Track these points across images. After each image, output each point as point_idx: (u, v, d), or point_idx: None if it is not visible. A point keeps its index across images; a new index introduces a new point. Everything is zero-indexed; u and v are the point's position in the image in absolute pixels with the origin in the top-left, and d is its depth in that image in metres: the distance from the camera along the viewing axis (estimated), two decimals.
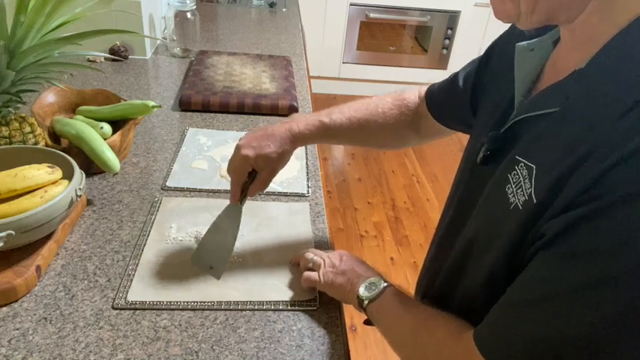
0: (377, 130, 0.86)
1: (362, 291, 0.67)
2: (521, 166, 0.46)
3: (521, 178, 0.46)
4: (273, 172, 0.80)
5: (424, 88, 0.87)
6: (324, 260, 0.74)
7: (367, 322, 0.69)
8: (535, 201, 0.44)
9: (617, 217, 0.38)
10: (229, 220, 0.79)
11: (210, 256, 0.77)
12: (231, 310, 0.72)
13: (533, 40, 0.57)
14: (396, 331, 0.63)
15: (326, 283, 0.72)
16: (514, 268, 0.48)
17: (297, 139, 0.80)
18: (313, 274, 0.74)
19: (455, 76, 0.78)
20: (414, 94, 0.89)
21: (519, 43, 0.58)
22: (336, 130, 0.83)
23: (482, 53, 0.73)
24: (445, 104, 0.81)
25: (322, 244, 0.86)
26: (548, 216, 0.43)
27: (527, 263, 0.45)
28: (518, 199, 0.47)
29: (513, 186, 0.47)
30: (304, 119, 0.82)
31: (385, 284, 0.67)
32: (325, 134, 0.83)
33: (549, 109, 0.46)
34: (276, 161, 0.79)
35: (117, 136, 0.98)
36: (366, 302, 0.66)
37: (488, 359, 0.46)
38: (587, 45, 0.45)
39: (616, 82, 0.41)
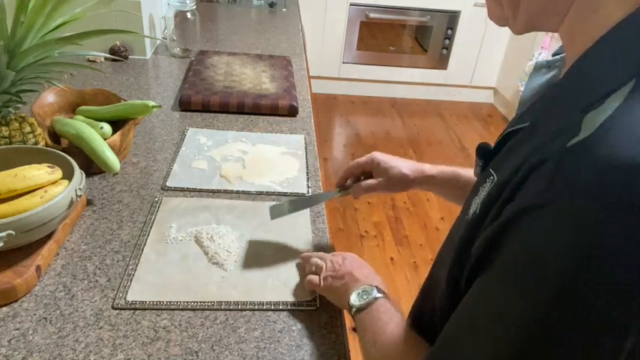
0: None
1: (353, 298, 0.66)
2: (490, 178, 0.43)
3: (484, 191, 0.43)
4: (384, 185, 0.84)
5: None
6: (325, 264, 0.74)
7: (354, 329, 0.66)
8: (477, 212, 0.42)
9: (510, 238, 0.36)
10: (315, 197, 0.92)
11: (281, 207, 0.85)
12: (231, 310, 0.72)
13: (555, 57, 0.53)
14: (368, 350, 0.60)
15: (325, 286, 0.72)
16: (454, 292, 0.45)
17: (422, 181, 0.84)
18: (314, 278, 0.74)
19: None
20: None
21: (539, 60, 0.54)
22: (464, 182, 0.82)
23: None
24: None
25: (322, 244, 0.86)
26: (479, 232, 0.41)
27: (464, 290, 0.43)
28: (472, 211, 0.44)
29: (478, 197, 0.45)
30: (436, 166, 0.85)
31: (376, 295, 0.64)
32: (447, 183, 0.84)
33: (525, 123, 0.43)
34: (396, 178, 0.83)
35: (117, 136, 0.98)
36: (353, 311, 0.65)
37: None
38: (571, 57, 0.42)
39: (573, 95, 0.38)
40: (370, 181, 0.86)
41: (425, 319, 0.55)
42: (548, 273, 0.33)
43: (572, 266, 0.32)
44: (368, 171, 0.87)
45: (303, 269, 0.79)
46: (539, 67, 0.54)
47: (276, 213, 0.85)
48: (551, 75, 0.52)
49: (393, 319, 0.60)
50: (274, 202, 0.89)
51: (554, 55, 0.54)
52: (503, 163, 0.43)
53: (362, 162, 0.86)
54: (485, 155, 0.49)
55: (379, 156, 0.85)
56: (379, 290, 0.65)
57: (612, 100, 0.34)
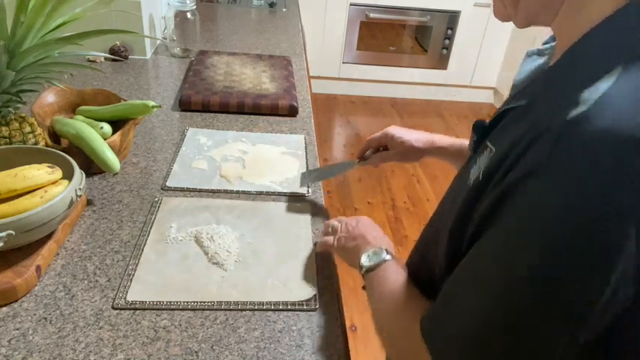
0: None
1: (363, 259, 0.70)
2: (487, 150, 0.49)
3: (483, 160, 0.49)
4: (397, 155, 0.96)
5: None
6: (340, 226, 0.80)
7: (364, 287, 0.71)
8: (480, 179, 0.47)
9: (518, 199, 0.41)
10: (338, 166, 1.02)
11: (311, 173, 1.01)
12: (231, 310, 0.72)
13: (546, 45, 0.59)
14: (375, 307, 0.65)
15: (338, 247, 0.77)
16: (454, 253, 0.50)
17: (433, 151, 0.94)
18: (329, 238, 0.80)
19: None
20: None
21: (531, 49, 0.60)
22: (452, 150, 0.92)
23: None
24: None
25: None
26: (482, 197, 0.46)
27: (464, 250, 0.48)
28: (472, 178, 0.49)
29: (475, 167, 0.50)
30: (446, 137, 0.94)
31: (385, 257, 0.68)
32: (457, 154, 0.91)
33: (521, 102, 0.48)
34: (408, 149, 0.94)
35: (117, 136, 0.98)
36: (363, 271, 0.69)
37: (429, 347, 0.48)
38: (562, 47, 0.47)
39: (568, 78, 0.43)
40: (386, 152, 0.98)
41: (423, 275, 0.60)
42: (549, 229, 0.38)
43: (571, 222, 0.37)
44: (384, 144, 0.98)
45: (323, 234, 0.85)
46: (530, 54, 0.60)
47: (304, 181, 1.00)
48: (542, 61, 0.58)
49: (398, 280, 0.64)
50: (305, 170, 1.04)
51: (544, 44, 0.59)
52: (501, 137, 0.48)
53: (377, 137, 0.98)
54: (481, 131, 0.54)
55: (393, 130, 0.96)
56: (388, 252, 0.69)
57: (605, 81, 0.39)
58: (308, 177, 1.01)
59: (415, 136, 0.94)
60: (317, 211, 0.94)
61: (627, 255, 0.37)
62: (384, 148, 0.99)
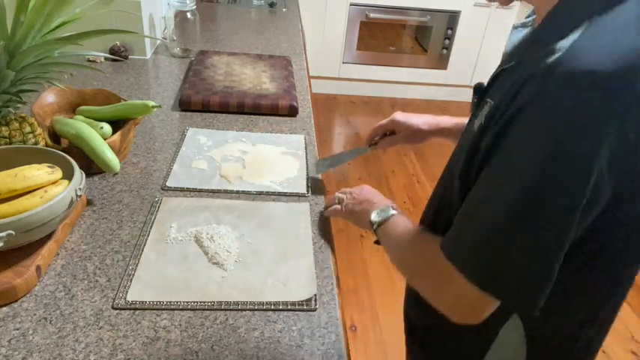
0: None
1: (373, 216, 0.79)
2: (487, 104, 0.58)
3: (484, 112, 0.58)
4: (404, 138, 1.01)
5: None
6: (346, 195, 0.89)
7: (377, 242, 0.80)
8: (483, 123, 0.57)
9: (516, 125, 0.51)
10: (351, 152, 1.07)
11: (324, 162, 1.06)
12: (231, 310, 0.72)
13: (528, 19, 0.68)
14: (395, 251, 0.73)
15: (346, 212, 0.87)
16: (466, 190, 0.59)
17: (438, 132, 0.99)
18: (337, 206, 0.89)
19: None
20: None
21: (516, 22, 0.69)
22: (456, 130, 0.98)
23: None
24: None
25: (322, 244, 0.86)
26: (485, 134, 0.56)
27: (473, 180, 0.58)
28: (476, 126, 0.59)
29: (477, 119, 0.59)
30: (450, 118, 1.00)
31: (393, 212, 0.78)
32: (450, 133, 0.99)
33: (512, 63, 0.57)
34: (413, 132, 1.00)
35: (117, 136, 0.98)
36: (375, 226, 0.78)
37: (451, 261, 0.57)
38: (540, 16, 0.58)
39: (547, 35, 0.54)
40: (393, 137, 1.03)
41: (438, 226, 0.69)
42: (544, 140, 0.50)
43: (561, 131, 0.49)
44: (391, 129, 1.03)
45: (327, 207, 0.93)
46: (516, 27, 0.68)
47: (319, 169, 1.04)
48: (526, 31, 0.67)
49: (409, 225, 0.74)
50: (319, 159, 1.08)
51: (526, 17, 0.68)
52: (497, 92, 0.57)
53: (384, 123, 1.03)
54: (480, 92, 0.64)
55: (398, 115, 1.02)
56: (394, 208, 0.79)
57: (574, 34, 0.50)
58: (322, 165, 1.04)
59: (421, 120, 1.00)
60: (317, 211, 0.94)
61: (600, 159, 0.48)
62: (390, 133, 1.04)
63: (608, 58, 0.48)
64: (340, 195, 0.91)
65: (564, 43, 0.50)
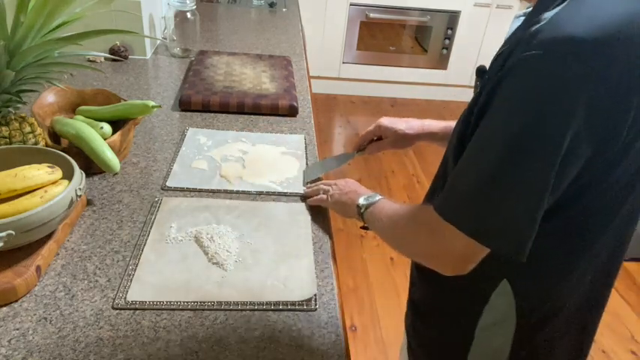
0: None
1: (361, 200, 0.83)
2: (485, 78, 0.63)
3: (482, 83, 0.63)
4: (391, 143, 1.04)
5: None
6: (331, 186, 0.93)
7: (364, 227, 0.84)
8: (479, 91, 0.62)
9: (503, 86, 0.56)
10: (338, 158, 1.06)
11: (313, 168, 1.05)
12: (231, 310, 0.72)
13: (528, 9, 0.70)
14: (385, 225, 0.77)
15: (332, 201, 0.90)
16: (462, 145, 0.63)
17: (425, 135, 1.02)
18: (322, 196, 0.92)
19: None
20: None
21: (518, 12, 0.77)
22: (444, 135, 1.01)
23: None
24: None
25: (322, 244, 0.86)
26: (480, 97, 0.60)
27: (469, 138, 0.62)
28: (475, 94, 0.64)
29: (476, 90, 0.64)
30: (437, 122, 1.03)
31: (380, 197, 0.83)
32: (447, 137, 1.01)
33: (508, 45, 0.61)
34: (399, 137, 1.02)
35: (117, 136, 0.98)
36: (363, 209, 0.82)
37: (442, 215, 0.62)
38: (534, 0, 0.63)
39: (535, 13, 0.58)
40: (380, 142, 1.06)
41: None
42: (526, 100, 0.54)
43: (541, 92, 0.53)
44: (378, 135, 1.06)
45: (309, 196, 0.96)
46: (517, 17, 0.78)
47: (308, 176, 1.03)
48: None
49: (395, 204, 0.78)
50: (310, 163, 1.08)
51: (527, 8, 0.71)
52: (492, 65, 0.62)
53: (371, 130, 1.06)
54: (483, 74, 0.67)
55: (384, 121, 1.04)
56: (380, 195, 0.83)
57: (558, 7, 0.55)
58: (309, 172, 1.04)
59: (406, 124, 1.03)
60: (317, 211, 0.94)
61: (576, 118, 0.52)
62: (378, 139, 1.06)
63: (587, 25, 0.51)
64: (324, 187, 0.94)
65: (548, 14, 0.55)
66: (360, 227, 0.84)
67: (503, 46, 0.64)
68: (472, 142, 0.60)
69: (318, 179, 1.02)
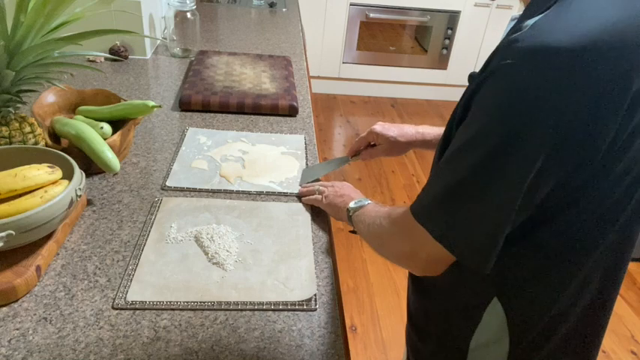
0: None
1: (351, 204, 0.86)
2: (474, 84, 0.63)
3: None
4: (384, 151, 1.05)
5: None
6: (327, 188, 0.94)
7: (352, 232, 0.86)
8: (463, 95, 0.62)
9: (480, 93, 0.56)
10: (334, 162, 1.08)
11: (309, 171, 1.06)
12: (231, 310, 0.72)
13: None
14: (368, 227, 0.78)
15: (327, 202, 0.91)
16: (447, 143, 0.63)
17: (419, 143, 1.02)
18: (317, 196, 0.94)
19: None
20: None
21: (514, 14, 0.76)
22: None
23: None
24: None
25: (322, 244, 0.86)
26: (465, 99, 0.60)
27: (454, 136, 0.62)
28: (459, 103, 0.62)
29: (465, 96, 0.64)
30: (431, 129, 1.03)
31: (369, 202, 0.85)
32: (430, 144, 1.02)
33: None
34: (392, 144, 1.03)
35: (117, 136, 0.98)
36: (351, 212, 0.84)
37: (415, 216, 0.63)
38: (525, 5, 0.62)
39: (521, 20, 0.57)
40: (374, 148, 1.07)
41: None
42: (498, 111, 0.53)
43: (514, 103, 0.52)
44: (372, 141, 1.07)
45: (303, 195, 0.97)
46: (513, 19, 0.71)
47: (304, 179, 1.03)
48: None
49: (382, 208, 0.79)
50: (306, 167, 1.08)
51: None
52: (481, 71, 0.61)
53: (364, 136, 1.07)
54: (474, 79, 0.66)
55: (377, 127, 1.04)
56: (370, 201, 0.86)
57: (540, 15, 0.54)
58: (306, 175, 1.04)
59: (399, 132, 1.03)
60: (317, 211, 0.94)
61: (548, 128, 0.51)
62: (373, 144, 1.07)
63: (566, 35, 0.50)
64: (320, 188, 0.95)
65: (530, 22, 0.54)
66: (349, 231, 0.87)
67: (494, 52, 0.64)
68: (449, 148, 0.60)
69: (316, 181, 1.02)
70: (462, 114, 0.59)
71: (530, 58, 0.50)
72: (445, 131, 0.66)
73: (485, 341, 0.70)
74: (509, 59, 0.52)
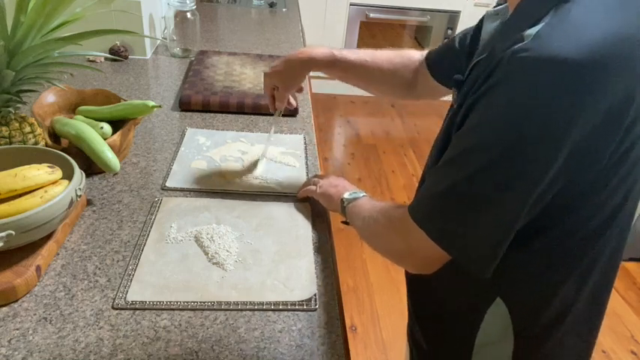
0: (379, 74, 1.02)
1: (346, 195, 0.85)
2: (463, 90, 0.62)
3: (460, 96, 0.62)
4: (286, 89, 1.02)
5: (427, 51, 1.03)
6: (322, 179, 0.94)
7: (344, 222, 0.86)
8: (459, 103, 0.62)
9: (484, 103, 0.55)
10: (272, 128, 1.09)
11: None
12: (231, 310, 0.72)
13: (499, 7, 0.70)
14: (363, 220, 0.78)
15: (320, 192, 0.91)
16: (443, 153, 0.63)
17: (311, 64, 1.01)
18: (312, 187, 0.93)
19: (452, 38, 0.92)
20: (419, 54, 1.03)
21: (489, 9, 0.71)
22: (344, 63, 1.01)
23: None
24: (442, 62, 0.95)
25: (322, 244, 0.86)
26: (460, 111, 0.60)
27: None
28: (457, 105, 0.63)
29: (455, 105, 0.63)
30: (320, 49, 1.02)
31: (365, 194, 0.85)
32: (333, 65, 1.01)
33: (484, 54, 0.60)
34: (288, 79, 1.01)
35: (117, 136, 0.98)
36: (346, 203, 0.84)
37: (413, 217, 0.63)
38: (512, 5, 0.61)
39: (516, 26, 0.56)
40: (277, 93, 1.03)
41: None
42: (506, 121, 0.53)
43: (522, 113, 0.52)
44: (275, 85, 1.03)
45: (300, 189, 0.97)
46: (489, 16, 0.72)
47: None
48: (499, 22, 0.70)
49: (377, 202, 0.79)
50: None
51: (496, 6, 0.72)
52: (471, 78, 0.61)
53: (265, 85, 1.03)
54: (460, 84, 0.66)
55: (267, 71, 1.02)
56: (365, 193, 0.85)
57: (540, 23, 0.52)
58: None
59: (282, 64, 1.00)
60: (317, 211, 0.94)
61: (564, 141, 0.51)
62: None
63: (572, 45, 0.49)
64: (316, 179, 0.96)
65: (531, 31, 0.53)
66: (341, 222, 0.86)
67: (478, 54, 0.63)
68: (450, 150, 0.60)
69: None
70: (461, 121, 0.59)
71: (541, 68, 0.50)
72: (442, 135, 0.66)
73: (491, 339, 0.71)
74: (519, 69, 0.51)
